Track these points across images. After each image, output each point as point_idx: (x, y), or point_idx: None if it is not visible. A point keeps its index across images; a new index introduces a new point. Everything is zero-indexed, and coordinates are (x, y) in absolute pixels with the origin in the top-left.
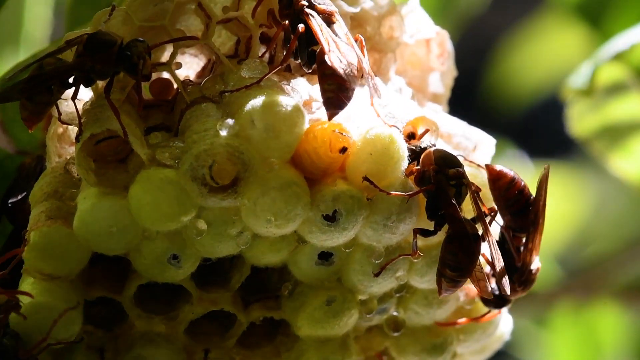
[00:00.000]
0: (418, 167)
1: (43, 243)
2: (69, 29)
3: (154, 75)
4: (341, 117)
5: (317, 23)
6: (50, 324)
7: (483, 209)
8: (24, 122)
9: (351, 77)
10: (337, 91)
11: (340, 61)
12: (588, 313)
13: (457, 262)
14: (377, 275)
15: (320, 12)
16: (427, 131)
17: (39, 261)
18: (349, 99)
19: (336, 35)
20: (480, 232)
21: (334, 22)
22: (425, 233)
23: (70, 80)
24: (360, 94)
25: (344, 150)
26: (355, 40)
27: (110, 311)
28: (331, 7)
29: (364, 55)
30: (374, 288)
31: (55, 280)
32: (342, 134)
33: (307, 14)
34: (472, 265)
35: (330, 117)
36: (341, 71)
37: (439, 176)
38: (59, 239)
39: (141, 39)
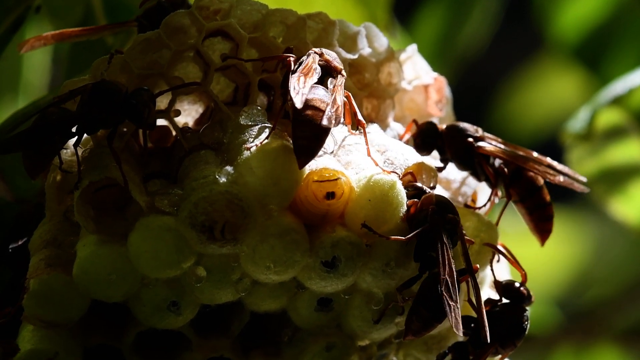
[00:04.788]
0: (415, 200)
1: (42, 291)
2: (68, 76)
3: None
4: (337, 164)
5: (306, 61)
6: None
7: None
8: (28, 172)
9: (317, 124)
10: (309, 139)
11: (303, 91)
12: (588, 357)
13: (435, 303)
14: (376, 321)
15: (325, 61)
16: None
17: (39, 309)
18: (320, 146)
19: (325, 85)
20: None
21: (333, 76)
22: (408, 284)
23: (74, 129)
24: (360, 142)
25: (329, 195)
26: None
27: (109, 358)
28: (339, 65)
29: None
30: (373, 334)
31: (55, 328)
32: (321, 181)
33: (309, 54)
34: (449, 307)
35: (300, 165)
36: (296, 96)
37: (436, 217)
38: (58, 287)
39: (145, 87)
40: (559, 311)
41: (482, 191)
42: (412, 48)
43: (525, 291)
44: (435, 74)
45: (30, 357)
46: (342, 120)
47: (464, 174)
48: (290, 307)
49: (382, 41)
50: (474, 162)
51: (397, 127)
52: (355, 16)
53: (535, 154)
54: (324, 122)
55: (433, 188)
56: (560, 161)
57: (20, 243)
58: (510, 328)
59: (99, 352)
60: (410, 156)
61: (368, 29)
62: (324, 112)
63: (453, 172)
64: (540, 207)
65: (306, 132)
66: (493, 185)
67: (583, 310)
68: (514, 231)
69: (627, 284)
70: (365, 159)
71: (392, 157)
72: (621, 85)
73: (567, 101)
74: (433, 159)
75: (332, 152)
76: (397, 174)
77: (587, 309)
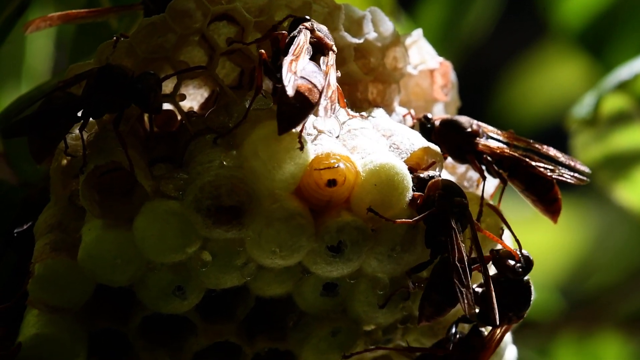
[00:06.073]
0: (422, 194)
1: (47, 275)
2: (72, 60)
3: None
4: (343, 148)
5: (298, 40)
6: (55, 355)
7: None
8: (33, 156)
9: (305, 96)
10: (292, 107)
11: (295, 76)
12: (591, 343)
13: (446, 287)
14: (382, 306)
15: (316, 38)
16: (433, 163)
17: (44, 293)
18: (302, 118)
19: (318, 64)
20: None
21: (324, 55)
22: (418, 268)
23: (79, 113)
24: (366, 126)
25: (331, 183)
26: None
27: (115, 342)
28: (330, 42)
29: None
30: (379, 319)
31: (60, 312)
32: (321, 169)
33: (300, 30)
34: (460, 292)
35: (280, 132)
36: (289, 84)
37: (443, 201)
38: (64, 271)
39: (152, 71)
40: (561, 298)
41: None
42: (418, 32)
43: (517, 265)
44: (441, 59)
45: (35, 342)
46: (337, 105)
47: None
48: (295, 292)
49: (388, 25)
50: (466, 157)
51: (402, 112)
52: (360, 1)
53: (536, 145)
54: (321, 112)
55: (432, 165)
56: (564, 147)
57: (25, 227)
58: (514, 302)
59: (104, 336)
60: (416, 141)
61: (374, 13)
62: (313, 84)
63: None
64: (545, 193)
65: (291, 100)
66: (483, 179)
67: (586, 297)
68: (517, 218)
69: (630, 271)
70: (371, 144)
71: (397, 142)
72: (626, 70)
73: (570, 88)
74: None
75: (338, 136)
76: (402, 158)
77: (590, 296)
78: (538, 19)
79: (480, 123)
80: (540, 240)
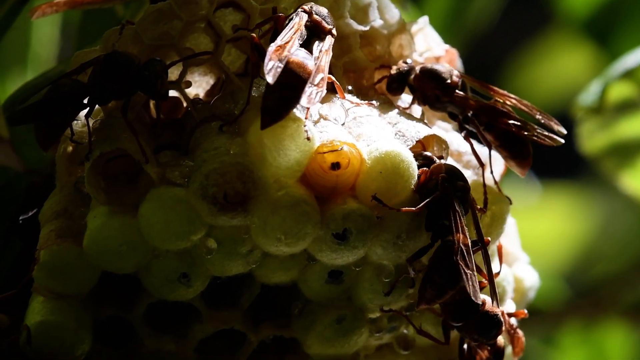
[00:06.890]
0: (426, 169)
1: (53, 262)
2: (78, 47)
3: None
4: (348, 135)
5: (292, 24)
6: (60, 342)
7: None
8: (39, 143)
9: (290, 83)
10: (277, 101)
11: (279, 63)
12: (596, 332)
13: (448, 270)
14: (387, 294)
15: (313, 22)
16: (441, 157)
17: (49, 280)
18: (288, 111)
19: (310, 49)
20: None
21: (320, 39)
22: (418, 254)
23: (86, 100)
24: (371, 113)
25: (334, 166)
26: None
27: (119, 329)
28: (329, 25)
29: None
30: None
31: (65, 299)
32: (324, 152)
33: (297, 13)
34: (461, 275)
35: (262, 126)
36: (269, 72)
37: (447, 185)
38: (69, 258)
39: (158, 58)
40: (566, 287)
41: (495, 162)
42: (424, 20)
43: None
44: (447, 46)
45: (40, 329)
46: (324, 93)
47: (475, 145)
48: (300, 279)
49: (394, 13)
50: (444, 107)
51: (408, 99)
52: None
53: (513, 100)
54: (304, 100)
55: (441, 158)
56: (570, 135)
57: (30, 214)
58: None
59: (110, 323)
60: (422, 129)
61: (379, 0)
62: (299, 76)
63: (464, 145)
64: (517, 150)
65: (275, 93)
66: (481, 166)
67: (591, 285)
68: (523, 207)
69: (635, 259)
70: (376, 131)
71: (403, 129)
72: (632, 58)
73: (576, 76)
74: (445, 131)
75: (343, 123)
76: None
77: (595, 285)
78: (543, 8)
79: (462, 74)
80: (546, 228)
